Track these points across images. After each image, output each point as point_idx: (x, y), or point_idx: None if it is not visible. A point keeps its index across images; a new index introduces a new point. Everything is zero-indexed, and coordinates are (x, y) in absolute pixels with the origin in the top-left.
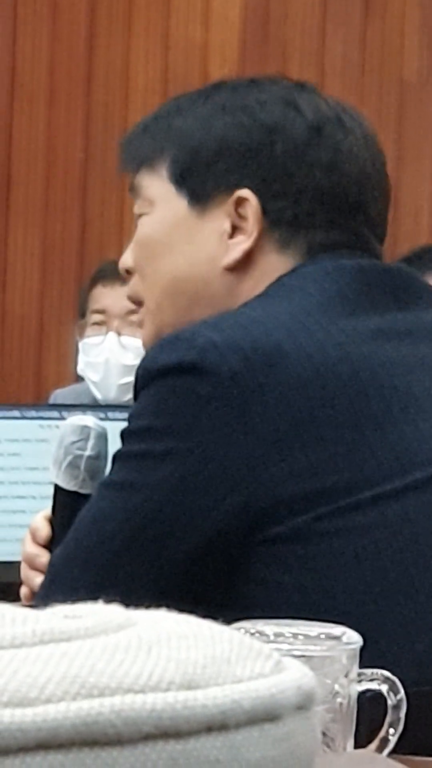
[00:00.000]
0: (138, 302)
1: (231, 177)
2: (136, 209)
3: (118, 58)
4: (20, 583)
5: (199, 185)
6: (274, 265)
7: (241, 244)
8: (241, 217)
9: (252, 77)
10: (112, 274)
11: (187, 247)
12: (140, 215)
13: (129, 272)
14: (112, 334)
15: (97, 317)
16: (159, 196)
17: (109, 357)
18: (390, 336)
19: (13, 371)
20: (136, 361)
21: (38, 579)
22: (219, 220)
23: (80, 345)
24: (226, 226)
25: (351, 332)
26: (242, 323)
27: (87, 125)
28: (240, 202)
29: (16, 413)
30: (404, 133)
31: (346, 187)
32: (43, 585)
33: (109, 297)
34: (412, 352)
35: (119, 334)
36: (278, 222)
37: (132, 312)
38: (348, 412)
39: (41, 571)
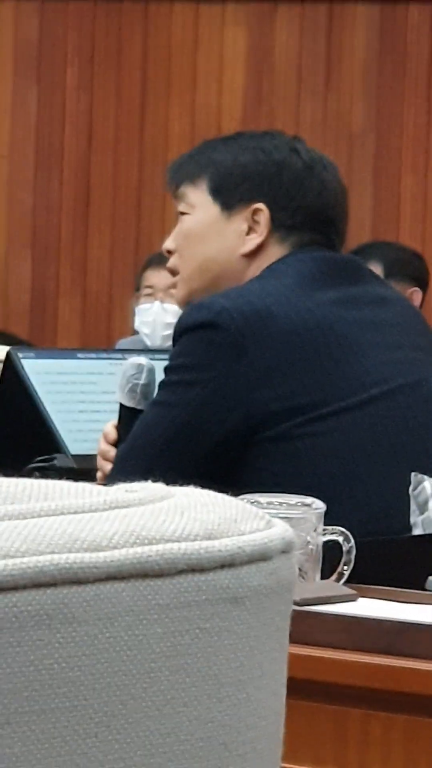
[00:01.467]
0: (175, 273)
1: (251, 194)
2: (180, 209)
3: (161, 115)
4: (96, 469)
5: (228, 198)
6: (274, 253)
7: (255, 239)
8: (255, 221)
9: (264, 130)
10: (157, 261)
11: (216, 238)
12: (183, 214)
13: (170, 252)
14: (157, 303)
15: (147, 291)
16: (199, 203)
17: (155, 318)
18: (344, 303)
19: (92, 328)
20: (174, 320)
21: (108, 466)
22: (240, 222)
23: (136, 310)
24: (244, 227)
25: (318, 300)
26: (244, 295)
27: (141, 160)
28: (256, 211)
29: (93, 355)
30: (352, 168)
31: (325, 207)
32: (111, 471)
33: (155, 277)
34: (359, 313)
35: (162, 302)
36: (280, 226)
37: (171, 286)
38: (315, 354)
39: (110, 461)
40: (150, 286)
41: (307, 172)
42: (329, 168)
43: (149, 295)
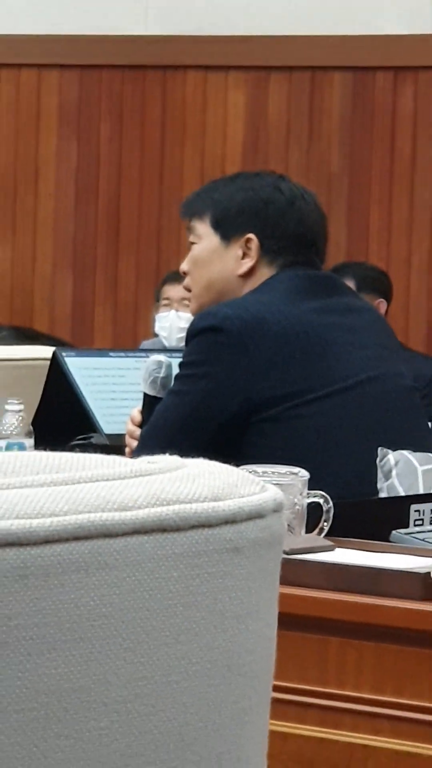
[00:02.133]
0: (189, 290)
1: (243, 227)
2: (191, 239)
3: (177, 160)
4: (125, 445)
5: (226, 230)
6: (264, 273)
7: (248, 263)
8: (248, 248)
9: (256, 171)
10: (172, 278)
11: (218, 263)
12: (192, 243)
13: (185, 273)
14: (173, 312)
15: (165, 302)
16: (204, 234)
17: (171, 323)
18: (323, 311)
19: (122, 332)
20: (186, 325)
21: (134, 443)
22: (236, 249)
23: (156, 317)
24: (240, 253)
25: (302, 309)
26: (243, 304)
27: (160, 196)
28: (248, 240)
29: (122, 354)
30: (330, 203)
31: (306, 234)
32: (136, 447)
33: (171, 291)
34: (336, 319)
35: (177, 311)
36: (268, 252)
37: (184, 299)
38: (301, 352)
39: (136, 439)
40: (167, 298)
41: (289, 206)
42: (308, 200)
43: (166, 305)
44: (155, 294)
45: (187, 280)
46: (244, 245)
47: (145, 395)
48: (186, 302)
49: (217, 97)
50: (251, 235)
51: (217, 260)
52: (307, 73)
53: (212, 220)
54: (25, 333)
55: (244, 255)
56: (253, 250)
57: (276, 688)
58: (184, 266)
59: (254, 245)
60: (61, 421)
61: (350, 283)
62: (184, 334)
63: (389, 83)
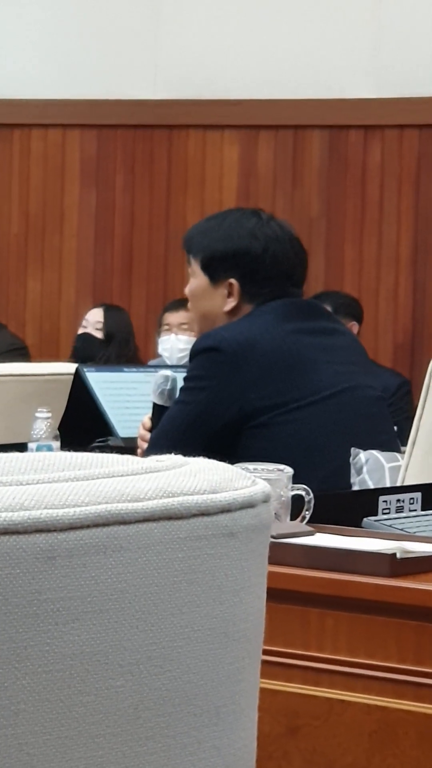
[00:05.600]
0: (191, 311)
1: (225, 273)
2: (189, 272)
3: (180, 206)
4: (137, 447)
5: (212, 274)
6: (246, 310)
7: (231, 303)
8: (231, 290)
9: (242, 212)
10: (172, 306)
11: (208, 299)
12: (191, 276)
13: (188, 299)
14: (173, 335)
15: (165, 327)
16: (197, 273)
17: (172, 345)
18: (305, 332)
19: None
20: (184, 346)
21: (145, 445)
22: (221, 290)
23: (159, 340)
24: (225, 293)
25: (287, 331)
26: (237, 328)
27: (167, 238)
28: (230, 284)
29: (135, 369)
30: (311, 242)
31: (280, 272)
32: (147, 448)
33: (171, 317)
34: (316, 340)
35: (176, 335)
36: (248, 293)
37: (182, 324)
38: (286, 368)
39: (146, 442)
40: (168, 324)
41: (263, 253)
42: (283, 240)
43: (167, 330)
44: (158, 320)
45: (190, 304)
46: (228, 287)
47: (154, 404)
48: (184, 326)
49: (215, 153)
50: (233, 280)
51: (207, 297)
52: (291, 131)
53: (201, 264)
54: None
55: (229, 294)
56: (235, 292)
57: (265, 652)
58: (187, 291)
59: (236, 289)
60: (83, 427)
61: (328, 309)
62: (182, 354)
63: (360, 140)
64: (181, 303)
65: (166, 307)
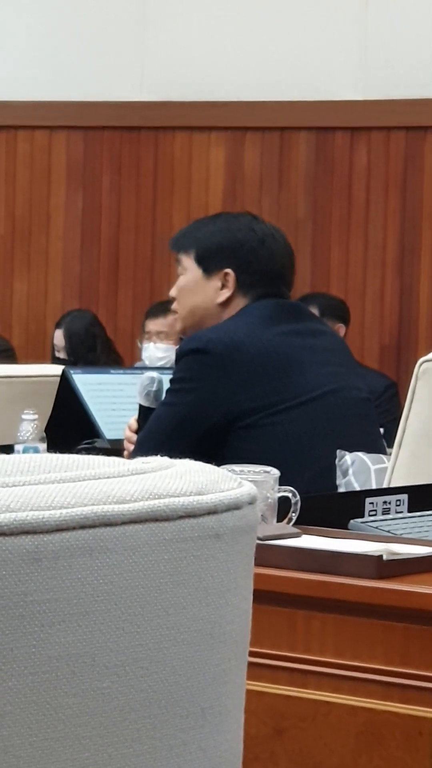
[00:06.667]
0: (176, 312)
1: (222, 264)
2: (179, 271)
3: (167, 208)
4: (123, 449)
5: (207, 266)
6: (239, 303)
7: (225, 294)
8: (226, 281)
9: (235, 213)
10: (152, 312)
11: (200, 292)
12: (180, 274)
13: (174, 298)
14: (152, 344)
15: (147, 335)
16: (189, 267)
17: (150, 354)
18: (292, 334)
19: (121, 354)
20: (162, 355)
21: (131, 447)
22: (215, 281)
23: (142, 347)
24: (219, 284)
25: (273, 333)
26: (223, 329)
27: (153, 240)
28: (226, 275)
29: (121, 371)
30: (297, 243)
31: (275, 268)
32: (133, 450)
33: (151, 324)
34: (302, 341)
35: (155, 343)
36: (243, 284)
37: (160, 332)
38: (272, 370)
39: (132, 443)
40: (148, 331)
41: (261, 245)
42: (278, 238)
43: (148, 337)
44: (141, 325)
45: (175, 304)
46: (223, 278)
47: (141, 406)
48: (161, 335)
49: (201, 154)
50: (229, 270)
51: (199, 290)
52: (277, 133)
53: (196, 256)
54: None
55: (223, 286)
56: (230, 283)
57: (252, 653)
58: (172, 292)
59: (231, 279)
60: (70, 428)
61: (314, 311)
62: (162, 363)
63: (347, 142)
64: (160, 308)
65: (147, 313)
